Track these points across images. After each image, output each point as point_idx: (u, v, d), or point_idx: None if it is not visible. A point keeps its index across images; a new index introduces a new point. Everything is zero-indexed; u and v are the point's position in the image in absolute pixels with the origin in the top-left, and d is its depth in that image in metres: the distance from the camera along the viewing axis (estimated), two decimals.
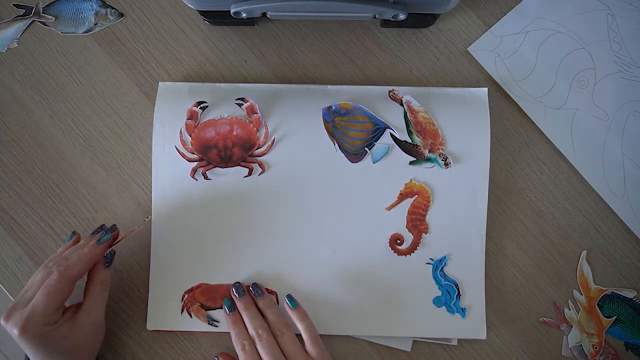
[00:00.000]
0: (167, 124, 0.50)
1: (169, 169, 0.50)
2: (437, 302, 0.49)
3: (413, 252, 0.49)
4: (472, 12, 0.53)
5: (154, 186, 0.50)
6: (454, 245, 0.49)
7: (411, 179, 0.49)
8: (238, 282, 0.48)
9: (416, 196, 0.49)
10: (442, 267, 0.49)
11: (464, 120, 0.50)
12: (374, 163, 0.49)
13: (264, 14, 0.47)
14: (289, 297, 0.48)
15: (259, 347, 0.45)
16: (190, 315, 0.49)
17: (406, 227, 0.49)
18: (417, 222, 0.49)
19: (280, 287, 0.49)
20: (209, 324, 0.49)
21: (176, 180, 0.50)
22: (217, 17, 0.50)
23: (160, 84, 0.51)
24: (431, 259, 0.49)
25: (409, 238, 0.49)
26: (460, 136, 0.50)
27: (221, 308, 0.49)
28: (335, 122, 0.49)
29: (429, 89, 0.51)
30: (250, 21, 0.50)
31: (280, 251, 0.49)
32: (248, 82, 0.52)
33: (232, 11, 0.45)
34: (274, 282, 0.49)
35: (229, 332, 0.49)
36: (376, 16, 0.46)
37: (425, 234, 0.49)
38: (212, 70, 0.53)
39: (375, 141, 0.49)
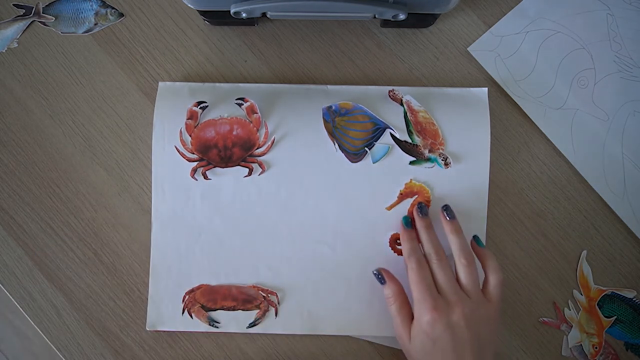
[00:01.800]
0: (167, 124, 0.50)
1: (169, 169, 0.50)
2: None
3: None
4: (472, 12, 0.53)
5: (154, 186, 0.50)
6: None
7: (411, 179, 0.49)
8: (421, 202, 0.48)
9: (416, 196, 0.49)
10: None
11: (464, 120, 0.50)
12: (374, 163, 0.49)
13: (264, 14, 0.47)
14: (447, 207, 0.47)
15: (434, 266, 0.44)
16: (191, 316, 0.49)
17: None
18: None
19: (279, 287, 0.49)
20: (209, 324, 0.49)
21: (176, 180, 0.50)
22: (217, 17, 0.49)
23: (160, 84, 0.51)
24: None
25: None
26: (460, 136, 0.50)
27: (222, 309, 0.49)
28: (336, 122, 0.49)
29: (429, 89, 0.51)
30: (250, 21, 0.50)
31: (280, 251, 0.49)
32: (248, 82, 0.52)
33: (232, 11, 0.45)
34: (274, 282, 0.49)
35: (230, 332, 0.49)
36: (376, 16, 0.46)
37: None
38: (212, 70, 0.53)
39: (376, 141, 0.49)
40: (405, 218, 0.48)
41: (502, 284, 0.45)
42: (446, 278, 0.44)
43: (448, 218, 0.46)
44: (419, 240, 0.47)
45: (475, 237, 0.47)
